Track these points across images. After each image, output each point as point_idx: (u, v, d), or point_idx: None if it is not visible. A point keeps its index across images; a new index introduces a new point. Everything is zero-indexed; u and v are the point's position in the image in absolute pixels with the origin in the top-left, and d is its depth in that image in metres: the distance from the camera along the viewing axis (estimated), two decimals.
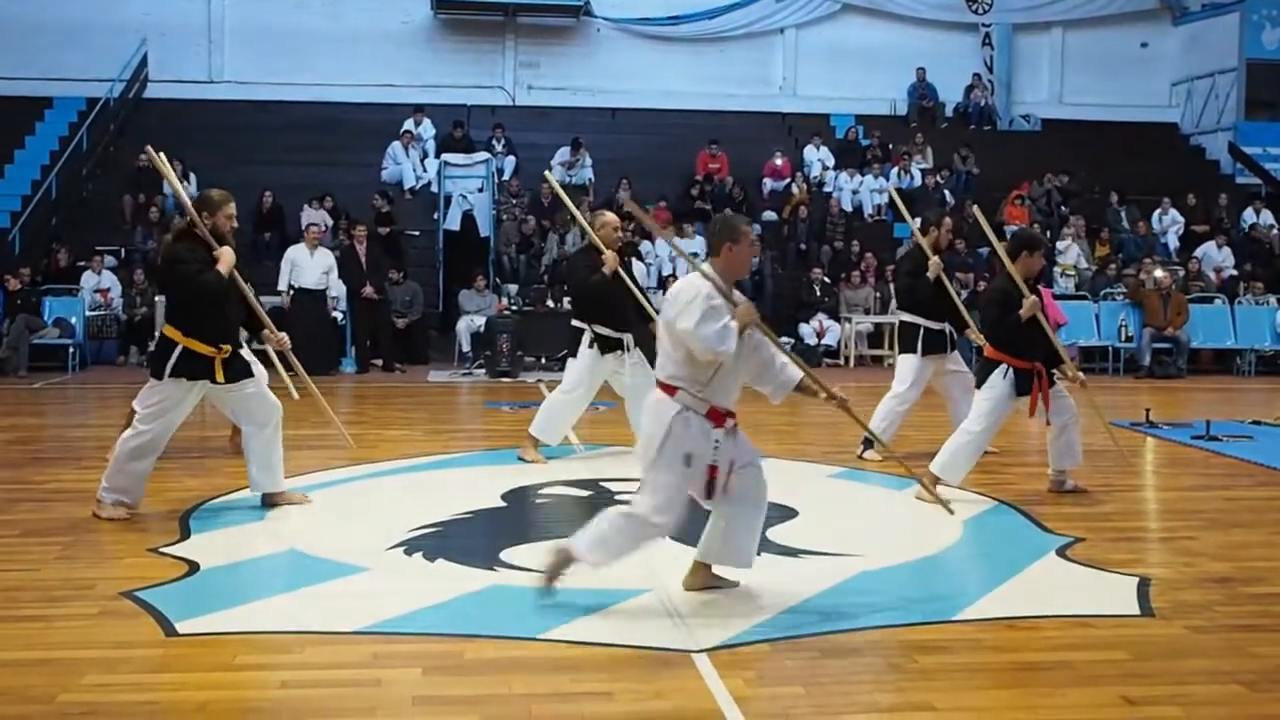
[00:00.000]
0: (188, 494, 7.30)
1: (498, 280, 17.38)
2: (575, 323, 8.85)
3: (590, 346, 8.67)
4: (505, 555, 5.95)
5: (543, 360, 15.75)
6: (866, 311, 17.39)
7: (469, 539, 6.37)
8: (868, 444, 8.79)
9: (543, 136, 20.67)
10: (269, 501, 6.95)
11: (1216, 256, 18.87)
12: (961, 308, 8.80)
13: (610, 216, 9.05)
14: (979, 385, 7.52)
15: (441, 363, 16.11)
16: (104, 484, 6.69)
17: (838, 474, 8.40)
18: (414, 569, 5.75)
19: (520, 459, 8.58)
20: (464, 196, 18.47)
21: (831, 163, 20.65)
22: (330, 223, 17.13)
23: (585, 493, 7.61)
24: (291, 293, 14.55)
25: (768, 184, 20.13)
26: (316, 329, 14.38)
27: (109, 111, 20.21)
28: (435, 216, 18.54)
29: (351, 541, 6.24)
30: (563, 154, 19.83)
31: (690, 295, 4.93)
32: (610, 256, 8.59)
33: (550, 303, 16.18)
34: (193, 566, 5.70)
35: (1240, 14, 22.77)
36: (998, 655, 4.62)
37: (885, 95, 22.95)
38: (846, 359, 16.87)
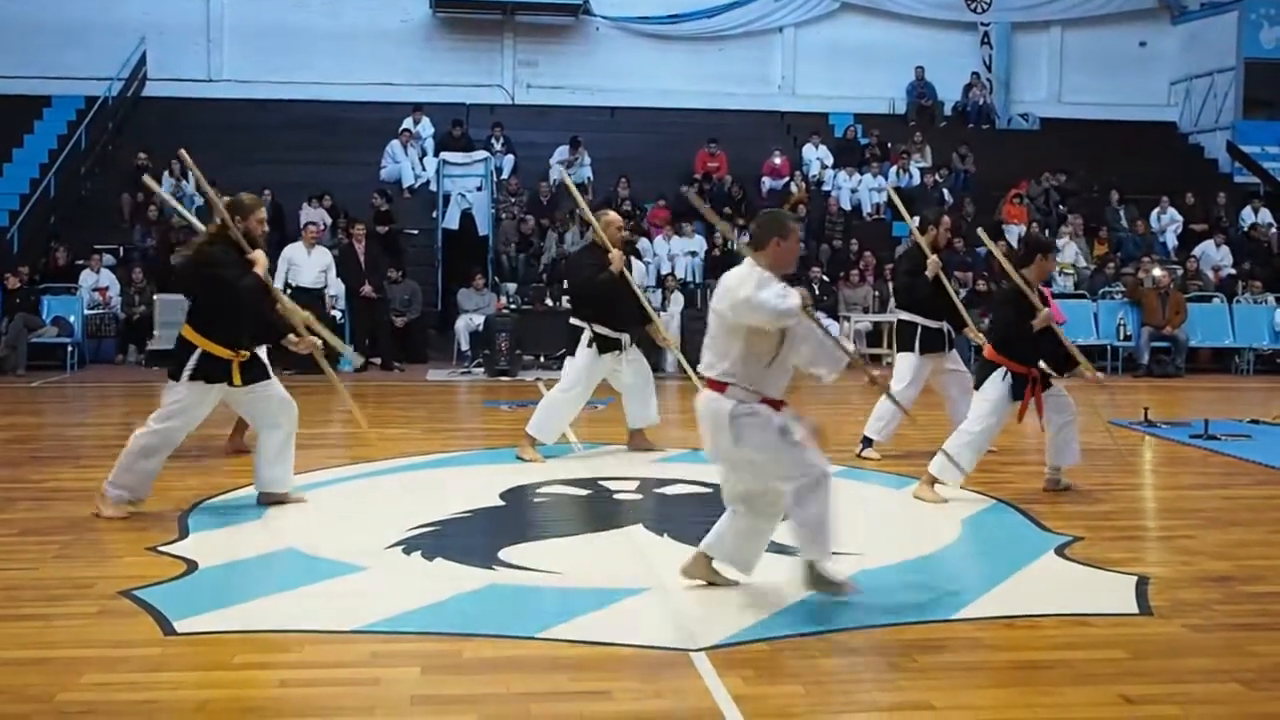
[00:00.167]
0: (186, 493, 7.30)
1: (496, 279, 17.38)
2: (574, 321, 8.85)
3: (589, 346, 8.67)
4: (504, 554, 5.95)
5: (541, 359, 15.75)
6: (865, 310, 17.39)
7: (467, 538, 6.37)
8: (866, 443, 8.80)
9: (541, 135, 20.66)
10: (267, 500, 6.95)
11: (1215, 255, 18.88)
12: (960, 306, 8.80)
13: (613, 215, 9.07)
14: (977, 386, 7.52)
15: (440, 361, 16.11)
16: (110, 480, 6.68)
17: (836, 472, 8.28)
18: (412, 568, 5.75)
19: (519, 458, 8.58)
20: (463, 195, 18.48)
21: (830, 161, 20.66)
22: (329, 221, 17.12)
23: (584, 491, 7.61)
24: (289, 292, 14.52)
25: (766, 183, 20.13)
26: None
27: (108, 110, 20.21)
28: (434, 215, 18.55)
29: (350, 540, 6.24)
30: (561, 153, 19.82)
31: (740, 277, 4.97)
32: (617, 255, 8.60)
33: (549, 301, 16.18)
34: (191, 565, 5.70)
35: (1239, 13, 22.78)
36: (996, 654, 4.62)
37: (884, 94, 22.96)
38: None
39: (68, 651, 4.50)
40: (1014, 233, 18.43)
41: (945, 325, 8.75)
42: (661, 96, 21.96)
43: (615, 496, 7.49)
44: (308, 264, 14.63)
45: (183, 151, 6.97)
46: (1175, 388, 14.84)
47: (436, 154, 19.29)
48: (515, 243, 18.06)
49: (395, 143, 19.48)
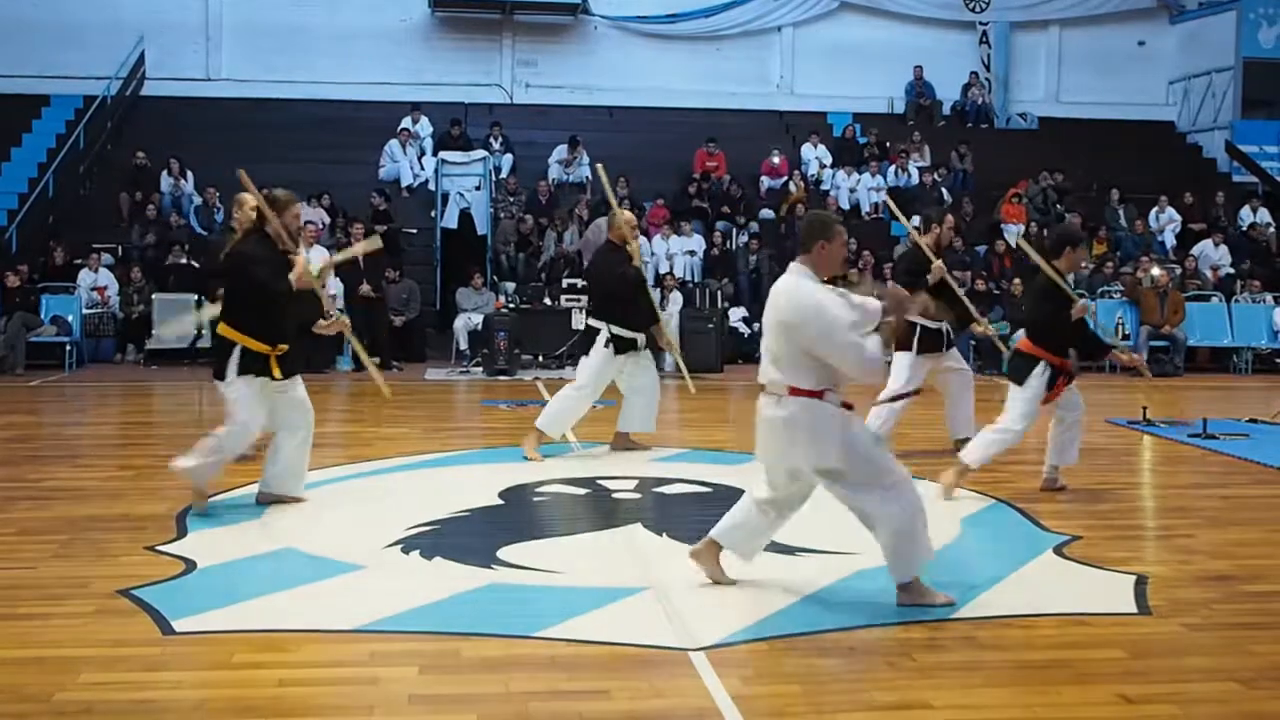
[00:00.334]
0: (184, 492, 7.27)
1: (495, 278, 17.38)
2: (592, 321, 8.82)
3: (605, 346, 8.65)
4: (502, 554, 5.95)
5: (540, 358, 15.74)
6: None
7: (466, 537, 6.36)
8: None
9: (540, 134, 20.66)
10: (266, 499, 6.95)
11: (1213, 255, 18.88)
12: (967, 302, 8.80)
13: (627, 214, 9.04)
14: (1018, 382, 7.45)
15: (439, 361, 16.10)
16: (188, 468, 6.70)
17: None
18: (411, 567, 5.75)
19: (525, 457, 8.56)
20: (461, 194, 18.47)
21: (829, 161, 20.65)
22: (327, 221, 17.11)
23: (583, 491, 7.61)
24: None
25: (765, 182, 20.13)
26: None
27: (106, 109, 20.18)
28: (433, 214, 18.54)
29: (349, 540, 6.24)
30: (560, 152, 19.83)
31: (830, 314, 4.89)
32: (636, 248, 8.65)
33: (548, 300, 16.18)
34: (190, 565, 5.70)
35: (1237, 12, 22.77)
36: (995, 653, 4.62)
37: (883, 93, 22.95)
38: None
39: (66, 651, 4.50)
40: (1012, 232, 18.43)
41: (944, 325, 8.76)
42: (660, 96, 21.95)
43: (614, 496, 7.49)
44: None
45: (242, 172, 6.98)
46: (1174, 387, 14.83)
47: (435, 153, 19.28)
48: (514, 242, 18.06)
49: (394, 142, 19.46)
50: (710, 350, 15.14)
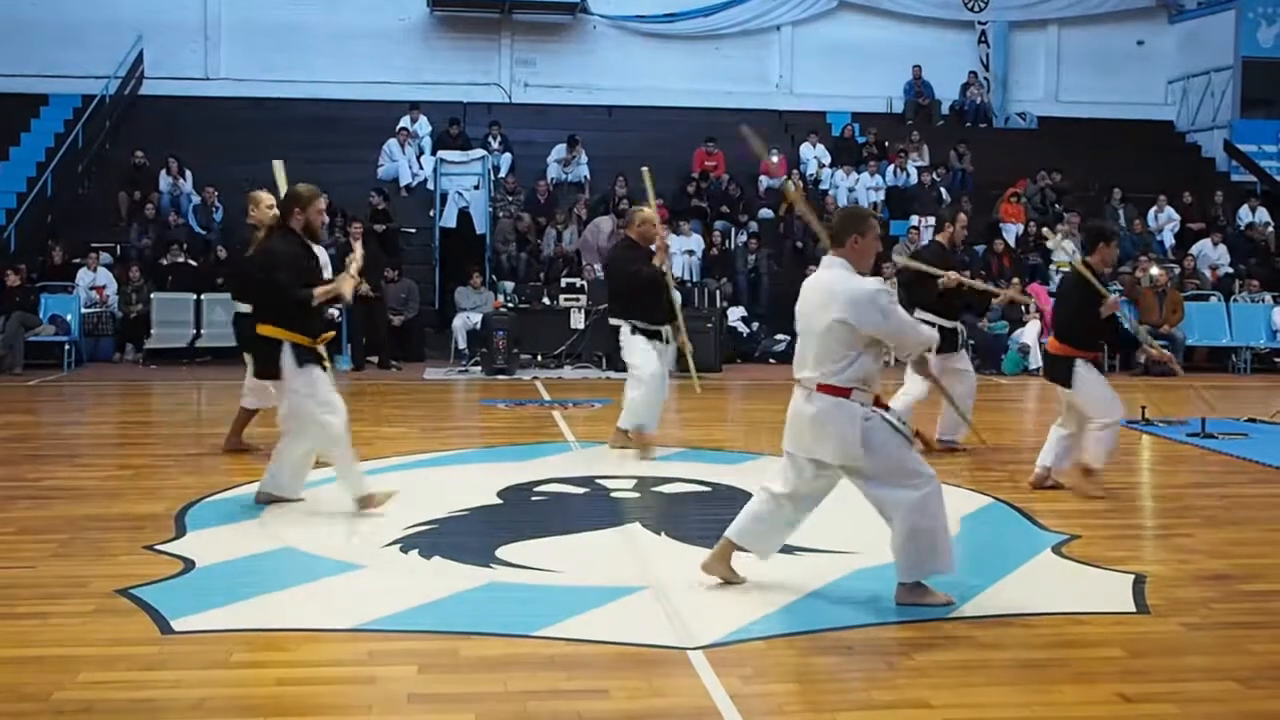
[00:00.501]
0: (183, 491, 7.30)
1: (494, 277, 17.37)
2: (614, 320, 8.81)
3: (634, 334, 8.65)
4: (501, 553, 5.95)
5: (538, 357, 15.74)
6: None
7: (465, 536, 6.36)
8: None
9: (539, 134, 20.66)
10: (265, 499, 6.94)
11: (1212, 254, 18.88)
12: (983, 285, 8.83)
13: (649, 212, 9.01)
14: (1065, 384, 7.49)
15: (437, 360, 16.10)
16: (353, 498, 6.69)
17: None
18: (410, 566, 5.75)
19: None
20: (460, 194, 18.46)
21: (828, 160, 20.65)
22: (326, 220, 17.07)
23: (581, 490, 7.61)
24: None
25: (764, 181, 20.13)
26: None
27: (105, 109, 20.17)
28: (431, 214, 18.54)
29: (347, 539, 6.25)
30: (559, 151, 19.83)
31: (869, 294, 4.94)
32: (662, 245, 8.71)
33: (546, 299, 16.18)
34: (188, 564, 5.70)
35: (1236, 11, 22.77)
36: (993, 652, 4.62)
37: (881, 93, 22.96)
38: None
39: (65, 650, 4.50)
40: (1011, 232, 18.44)
41: (959, 325, 8.81)
42: (659, 95, 21.95)
43: (613, 495, 7.48)
44: None
45: (277, 164, 6.98)
46: (1172, 386, 14.83)
47: (434, 152, 19.27)
48: (513, 241, 18.06)
49: (393, 141, 19.46)
50: (709, 350, 15.15)
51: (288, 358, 6.59)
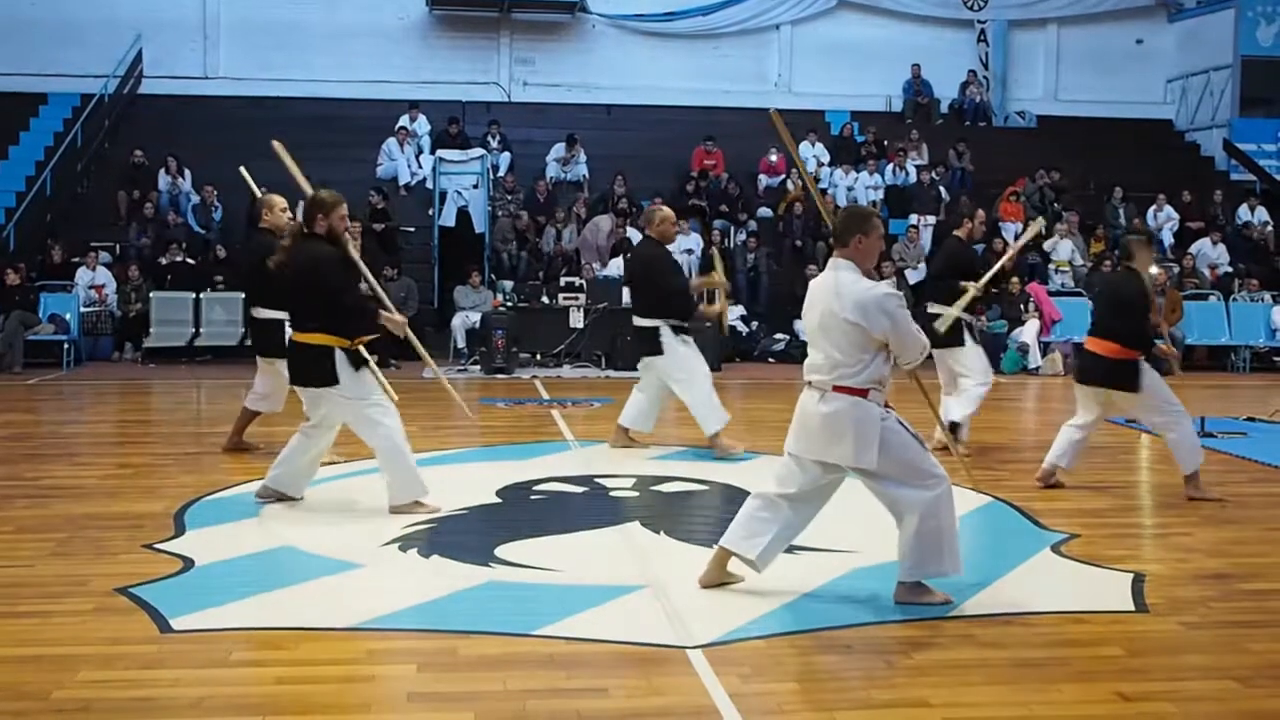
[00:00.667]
0: (183, 490, 7.30)
1: (493, 276, 17.37)
2: (644, 322, 8.69)
3: (675, 335, 8.59)
4: (500, 551, 5.95)
5: (537, 356, 15.74)
6: None
7: (464, 535, 6.36)
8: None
9: (538, 133, 20.65)
10: (264, 497, 6.94)
11: (1211, 253, 18.88)
12: (994, 269, 8.92)
13: (668, 211, 8.97)
14: (1132, 390, 7.47)
15: (436, 359, 16.04)
16: (392, 500, 6.69)
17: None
18: (409, 565, 5.75)
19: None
20: (459, 193, 18.45)
21: (827, 159, 20.64)
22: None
23: (580, 489, 7.61)
24: None
25: (763, 180, 20.13)
26: None
27: (104, 108, 20.15)
28: (430, 213, 18.53)
29: (346, 538, 6.24)
30: (558, 150, 19.83)
31: (876, 298, 4.94)
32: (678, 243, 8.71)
33: (545, 298, 16.17)
34: (188, 563, 5.70)
35: (1235, 10, 22.76)
36: (992, 651, 4.62)
37: (881, 92, 22.95)
38: None
39: (64, 649, 4.50)
40: (1010, 230, 18.44)
41: (973, 319, 8.87)
42: (658, 94, 21.94)
43: (612, 494, 7.49)
44: None
45: (277, 144, 6.95)
46: (1171, 385, 14.83)
47: (433, 151, 19.26)
48: (512, 240, 18.05)
49: (392, 140, 19.46)
50: (709, 349, 15.11)
51: (343, 365, 6.51)
